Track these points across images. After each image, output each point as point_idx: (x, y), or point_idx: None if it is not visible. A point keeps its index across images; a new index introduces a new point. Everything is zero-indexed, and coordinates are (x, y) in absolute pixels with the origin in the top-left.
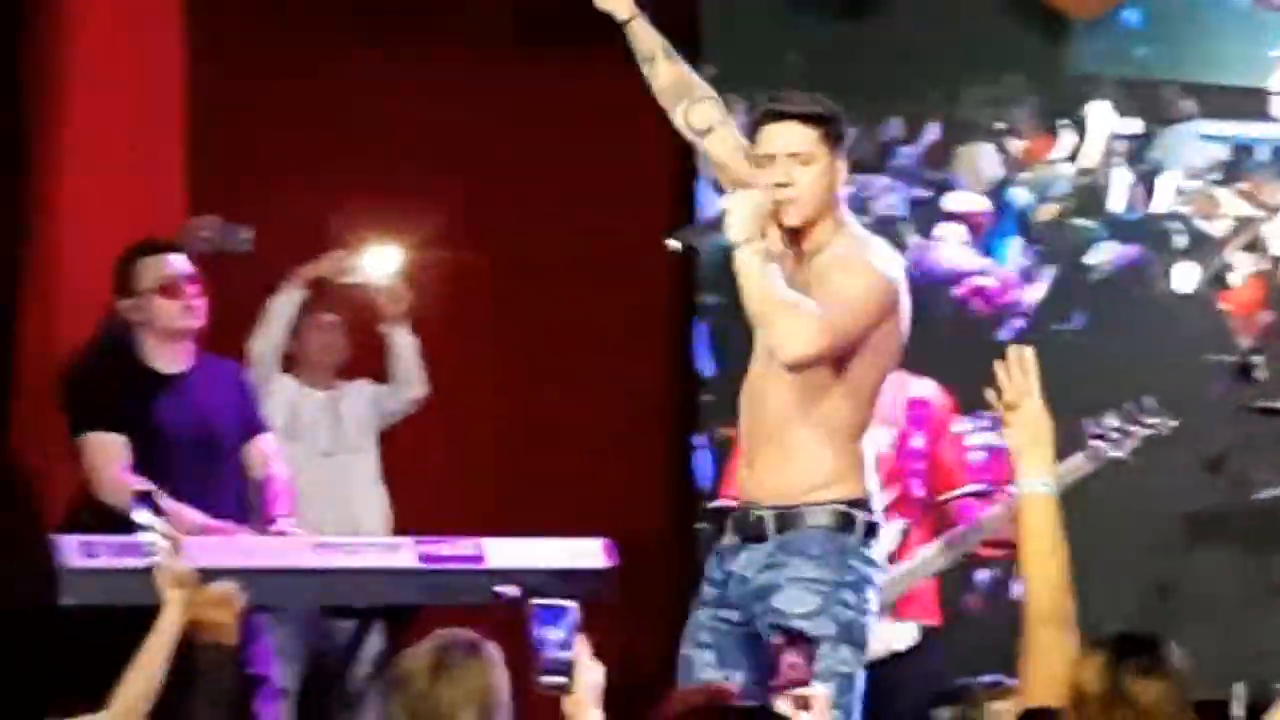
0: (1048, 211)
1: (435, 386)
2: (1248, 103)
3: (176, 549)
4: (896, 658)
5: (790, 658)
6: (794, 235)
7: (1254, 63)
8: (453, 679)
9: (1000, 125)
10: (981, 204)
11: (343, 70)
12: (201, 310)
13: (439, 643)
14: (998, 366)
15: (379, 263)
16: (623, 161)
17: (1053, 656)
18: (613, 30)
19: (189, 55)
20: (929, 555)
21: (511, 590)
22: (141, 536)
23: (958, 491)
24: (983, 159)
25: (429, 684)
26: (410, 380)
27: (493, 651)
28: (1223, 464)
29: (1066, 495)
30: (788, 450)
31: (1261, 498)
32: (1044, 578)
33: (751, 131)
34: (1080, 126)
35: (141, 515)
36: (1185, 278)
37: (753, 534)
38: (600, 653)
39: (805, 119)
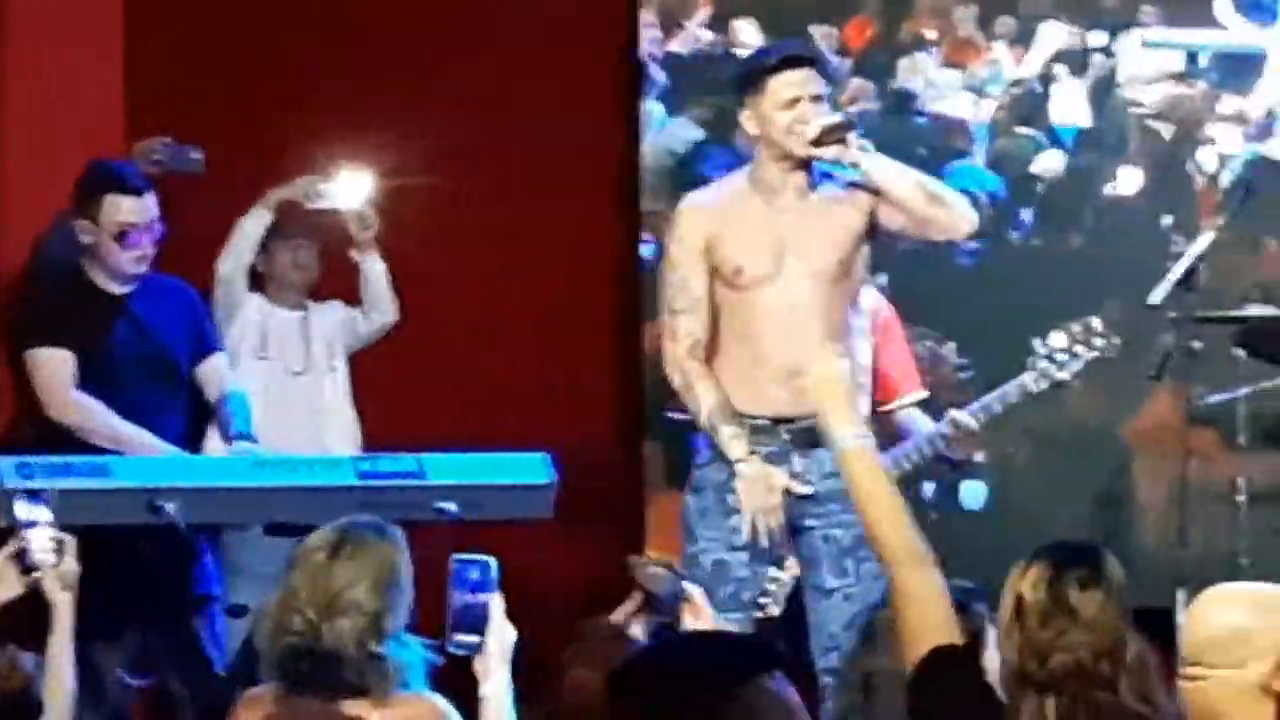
0: (988, 116)
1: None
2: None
3: (63, 550)
4: None
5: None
6: (801, 164)
7: None
8: (351, 555)
9: (934, 35)
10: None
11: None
12: (150, 258)
13: (343, 523)
14: None
15: (349, 189)
16: (574, 79)
17: (924, 598)
18: None
19: None
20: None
21: (450, 506)
22: (29, 535)
23: (901, 401)
24: (927, 69)
25: (327, 558)
26: (381, 306)
27: (397, 534)
28: (1164, 372)
29: (1013, 411)
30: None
31: (1205, 404)
32: (889, 523)
33: (754, 76)
34: (1026, 36)
35: (28, 511)
36: (1130, 182)
37: (810, 441)
38: (547, 567)
39: (816, 63)
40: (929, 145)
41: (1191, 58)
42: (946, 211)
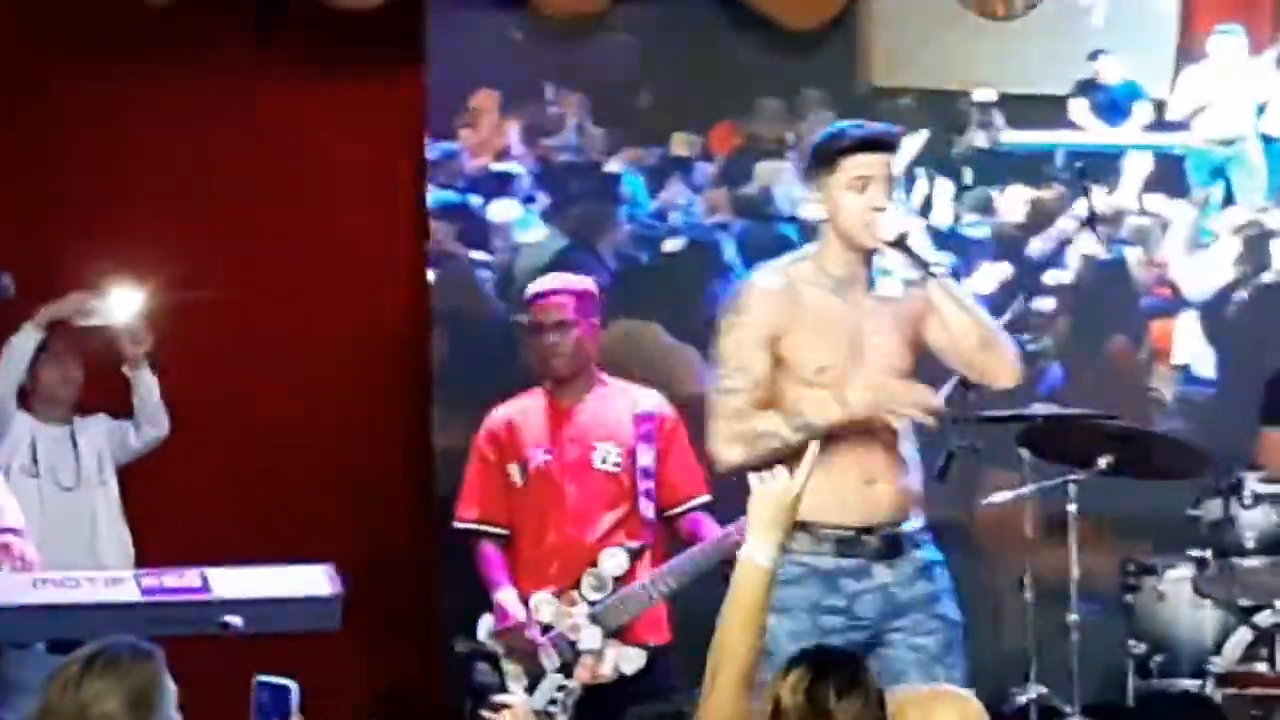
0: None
1: (174, 420)
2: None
3: None
4: (624, 680)
5: None
6: (867, 256)
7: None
8: (102, 672)
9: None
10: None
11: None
12: None
13: (102, 641)
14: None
15: (120, 305)
16: (357, 186)
17: (727, 705)
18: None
19: None
20: (657, 578)
21: (236, 621)
22: None
23: (687, 505)
24: (782, 175)
25: (80, 672)
26: (154, 419)
27: (155, 654)
28: (947, 473)
29: None
30: (899, 467)
31: (989, 504)
32: (746, 644)
33: (827, 155)
34: None
35: None
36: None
37: (889, 551)
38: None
39: (893, 148)
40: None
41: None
42: (995, 359)
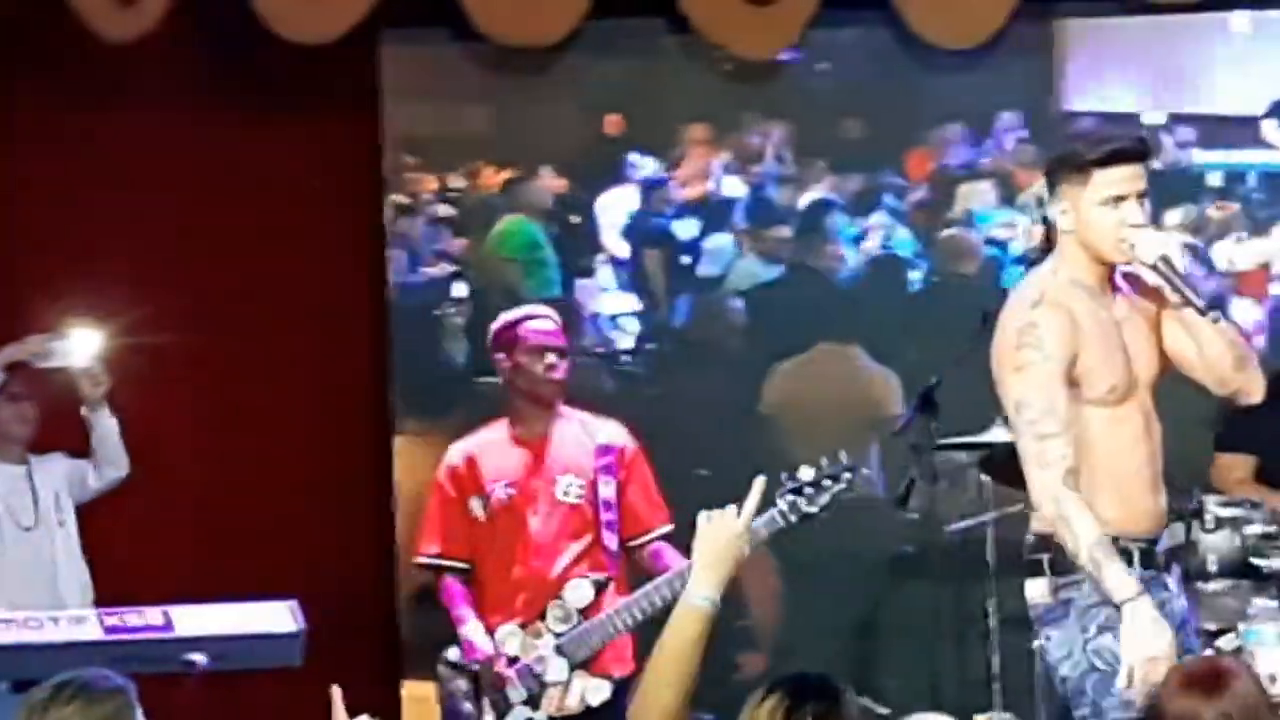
0: None
1: (134, 460)
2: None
3: None
4: (590, 711)
5: None
6: (1110, 274)
7: None
8: (69, 700)
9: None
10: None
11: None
12: None
13: (69, 673)
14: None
15: (79, 347)
16: (313, 225)
17: None
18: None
19: None
20: (621, 609)
21: (200, 658)
22: None
23: (650, 535)
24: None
25: (45, 702)
26: (113, 460)
27: (125, 686)
28: (908, 500)
29: (766, 543)
30: (1160, 484)
31: (952, 530)
32: (680, 687)
33: (1079, 164)
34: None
35: None
36: None
37: (1166, 563)
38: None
39: (1147, 158)
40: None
41: None
42: (1248, 378)
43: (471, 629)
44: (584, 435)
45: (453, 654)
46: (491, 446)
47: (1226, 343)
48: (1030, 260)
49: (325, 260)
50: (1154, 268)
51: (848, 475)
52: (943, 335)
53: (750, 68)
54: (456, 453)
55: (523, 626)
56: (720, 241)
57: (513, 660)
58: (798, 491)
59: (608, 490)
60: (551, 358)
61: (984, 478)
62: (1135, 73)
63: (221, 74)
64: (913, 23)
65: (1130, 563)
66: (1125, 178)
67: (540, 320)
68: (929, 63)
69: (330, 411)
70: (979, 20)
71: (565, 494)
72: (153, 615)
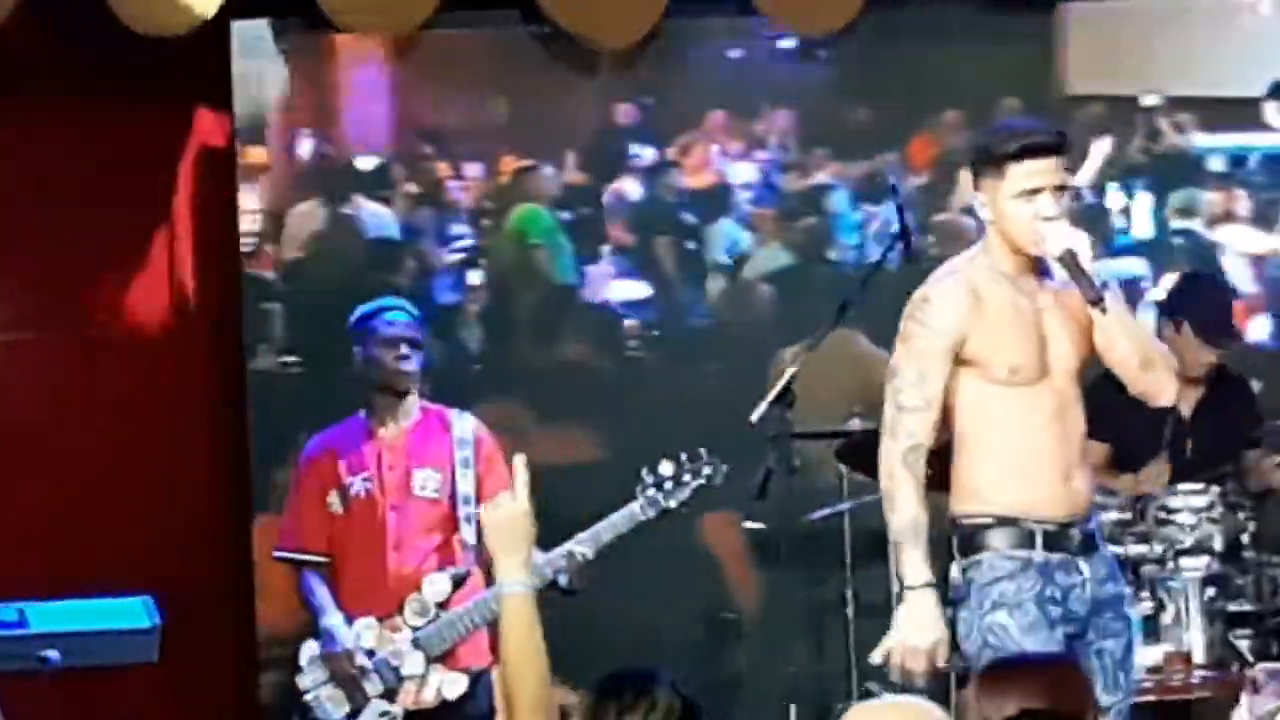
0: None
1: None
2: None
3: None
4: (446, 705)
5: None
6: (1035, 263)
7: None
8: None
9: None
10: None
11: None
12: None
13: None
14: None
15: None
16: (170, 216)
17: None
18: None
19: None
20: (479, 603)
21: (54, 654)
22: None
23: None
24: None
25: None
26: None
27: None
28: (766, 489)
29: (625, 538)
30: (1085, 466)
31: (812, 519)
32: (533, 674)
33: (994, 158)
34: None
35: None
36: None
37: (1088, 547)
38: (151, 712)
39: (1062, 150)
40: None
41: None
42: (1154, 379)
43: (332, 620)
44: (441, 429)
45: (310, 647)
46: (350, 440)
47: (1136, 344)
48: None
49: (180, 249)
50: (1060, 260)
51: (707, 470)
52: None
53: (758, 57)
54: (315, 446)
55: (380, 620)
56: (727, 228)
57: (369, 654)
58: (658, 486)
59: (466, 484)
60: (404, 349)
61: (842, 466)
62: (1136, 57)
63: (73, 66)
64: (762, 6)
65: (1032, 544)
66: (1039, 171)
67: (393, 312)
68: (929, 48)
69: (186, 403)
70: (833, 8)
71: (423, 488)
72: (7, 612)
